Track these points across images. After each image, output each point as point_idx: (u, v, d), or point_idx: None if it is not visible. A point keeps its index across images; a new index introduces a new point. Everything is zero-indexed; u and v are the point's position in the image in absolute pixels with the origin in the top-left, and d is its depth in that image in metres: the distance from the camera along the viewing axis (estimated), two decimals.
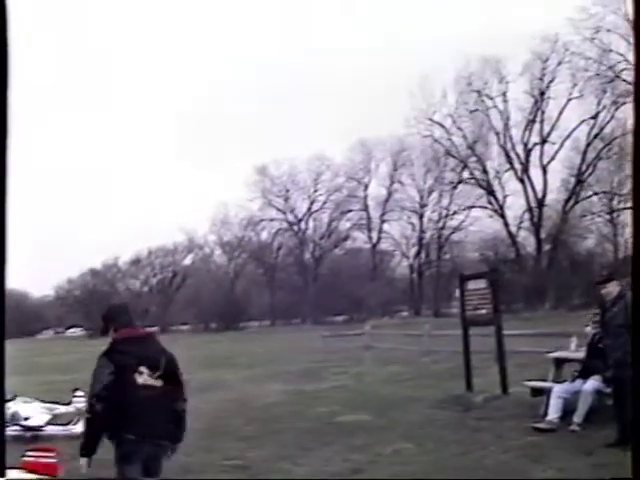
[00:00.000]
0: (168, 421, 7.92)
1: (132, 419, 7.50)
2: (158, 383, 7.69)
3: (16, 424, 16.47)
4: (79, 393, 19.51)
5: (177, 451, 13.19)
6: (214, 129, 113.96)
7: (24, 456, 11.05)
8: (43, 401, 19.18)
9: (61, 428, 16.58)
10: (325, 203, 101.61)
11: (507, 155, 79.29)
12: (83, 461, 7.70)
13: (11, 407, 17.46)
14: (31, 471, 10.54)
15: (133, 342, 7.79)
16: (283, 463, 11.72)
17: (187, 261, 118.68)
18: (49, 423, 16.93)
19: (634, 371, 3.11)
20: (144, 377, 7.58)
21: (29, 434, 16.13)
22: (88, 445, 7.70)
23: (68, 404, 19.32)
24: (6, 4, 2.28)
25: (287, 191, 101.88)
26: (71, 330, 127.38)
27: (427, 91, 78.41)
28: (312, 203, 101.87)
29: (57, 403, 19.34)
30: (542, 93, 75.13)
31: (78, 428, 16.02)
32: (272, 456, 12.35)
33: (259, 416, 17.36)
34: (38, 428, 16.46)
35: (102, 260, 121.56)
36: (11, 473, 10.81)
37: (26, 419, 16.70)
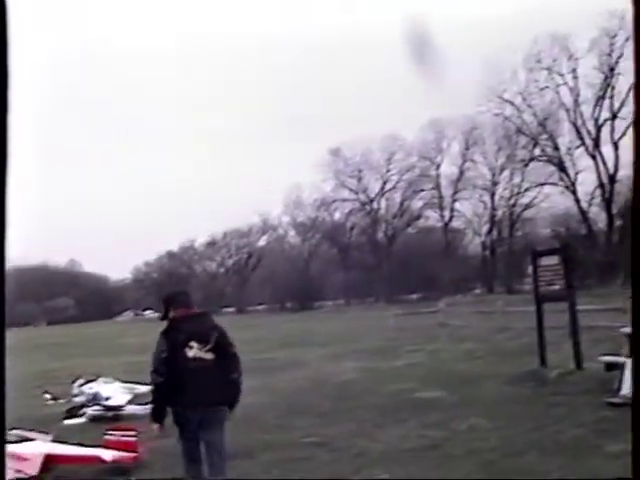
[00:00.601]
0: (219, 389, 8.49)
1: (183, 389, 8.28)
2: (208, 356, 8.44)
3: (97, 404, 16.91)
4: None
5: (257, 429, 13.55)
6: (287, 111, 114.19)
7: (106, 435, 11.47)
8: (123, 381, 19.66)
9: (141, 407, 16.92)
10: (398, 182, 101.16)
11: (578, 132, 78.10)
12: (154, 426, 8.53)
13: (93, 387, 17.96)
14: (112, 449, 10.96)
15: (186, 320, 8.64)
16: (360, 440, 11.90)
17: (262, 242, 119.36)
18: (129, 403, 17.33)
19: (634, 370, 3.23)
20: (194, 351, 8.38)
21: (110, 413, 16.56)
22: (155, 413, 8.62)
23: (148, 384, 19.78)
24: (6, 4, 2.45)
25: (360, 171, 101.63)
26: (149, 312, 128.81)
27: (497, 69, 77.54)
28: (385, 183, 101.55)
29: (137, 383, 19.79)
30: (611, 69, 73.75)
31: None
32: (349, 433, 12.55)
33: (336, 393, 17.60)
34: (119, 408, 16.86)
35: (179, 243, 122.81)
36: (94, 451, 11.26)
37: (107, 399, 17.12)
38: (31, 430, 11.80)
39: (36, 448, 10.66)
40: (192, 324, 8.64)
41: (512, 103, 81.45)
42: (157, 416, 8.57)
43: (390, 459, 10.38)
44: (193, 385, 8.31)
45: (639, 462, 2.87)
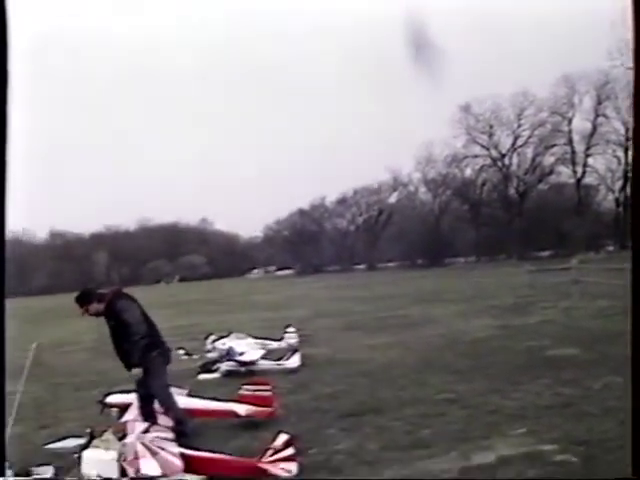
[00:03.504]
0: None
1: None
2: None
3: (231, 359, 17.18)
4: (290, 329, 20.22)
5: (391, 385, 13.64)
6: (414, 67, 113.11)
7: (240, 389, 11.66)
8: (256, 337, 19.95)
9: (274, 363, 17.18)
10: (529, 138, 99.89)
11: None
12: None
13: (226, 343, 18.28)
14: (247, 404, 11.14)
15: None
16: (494, 397, 11.87)
17: (392, 199, 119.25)
18: (262, 358, 17.58)
19: (633, 370, 3.13)
20: None
21: (243, 369, 16.82)
22: None
23: (280, 340, 20.05)
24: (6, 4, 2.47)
25: (491, 127, 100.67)
26: (280, 269, 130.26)
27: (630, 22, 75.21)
28: (516, 139, 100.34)
29: (269, 339, 20.08)
30: None
31: (290, 363, 16.64)
32: (483, 390, 12.52)
33: (469, 350, 17.60)
34: (252, 363, 17.10)
35: (309, 200, 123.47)
36: (229, 405, 11.47)
37: (240, 354, 17.38)
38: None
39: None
40: None
41: None
42: None
43: (524, 416, 10.32)
44: None
45: (639, 462, 2.83)
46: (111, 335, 10.35)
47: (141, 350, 10.02)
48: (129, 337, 9.97)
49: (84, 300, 10.23)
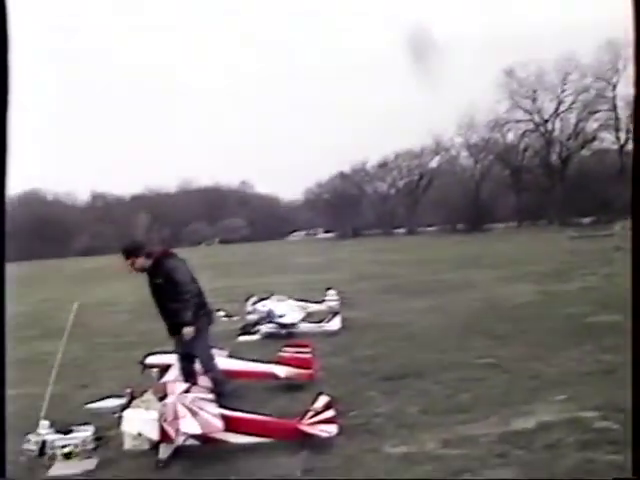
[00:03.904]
0: None
1: None
2: None
3: (271, 321, 17.24)
4: (331, 292, 20.25)
5: (432, 349, 13.65)
6: (460, 31, 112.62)
7: (280, 351, 11.69)
8: (296, 299, 19.99)
9: (314, 325, 17.21)
10: (572, 104, 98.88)
11: None
12: None
13: (266, 305, 18.36)
14: (287, 365, 11.17)
15: None
16: (534, 363, 11.80)
17: (433, 164, 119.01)
18: (302, 320, 17.61)
19: (633, 370, 3.06)
20: None
21: (283, 331, 16.88)
22: None
23: (320, 302, 20.07)
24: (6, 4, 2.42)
25: (534, 92, 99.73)
26: (320, 232, 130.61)
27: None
28: (559, 104, 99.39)
29: (309, 301, 20.11)
30: None
31: (331, 326, 16.66)
32: (523, 355, 12.48)
33: (509, 315, 17.53)
34: (292, 325, 17.15)
35: (350, 164, 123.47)
36: (269, 367, 11.52)
37: (281, 316, 17.42)
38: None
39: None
40: None
41: None
42: None
43: (565, 382, 10.26)
44: None
45: (639, 462, 2.79)
46: (154, 294, 10.29)
47: (193, 309, 10.03)
48: (179, 296, 9.94)
49: (132, 253, 10.11)
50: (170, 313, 10.14)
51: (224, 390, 9.94)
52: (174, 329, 10.20)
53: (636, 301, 2.66)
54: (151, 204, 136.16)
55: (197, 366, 10.41)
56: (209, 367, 10.37)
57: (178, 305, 9.95)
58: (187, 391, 8.70)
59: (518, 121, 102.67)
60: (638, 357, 2.86)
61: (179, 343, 10.29)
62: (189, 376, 10.04)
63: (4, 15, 2.49)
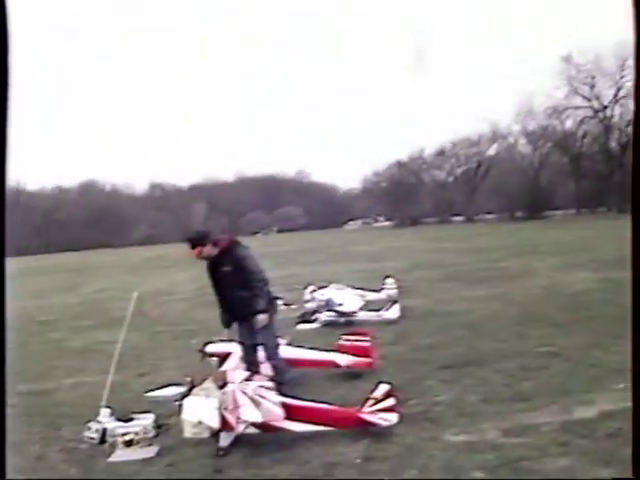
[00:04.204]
0: None
1: None
2: None
3: (330, 309, 17.27)
4: (389, 280, 20.21)
5: (491, 337, 13.60)
6: (515, 16, 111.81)
7: (340, 340, 11.72)
8: (355, 288, 19.98)
9: (373, 314, 17.20)
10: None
11: None
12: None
13: (325, 294, 18.37)
14: (347, 354, 11.19)
15: None
16: (595, 351, 11.70)
17: (491, 151, 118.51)
18: (361, 309, 17.61)
19: (633, 369, 3.01)
20: None
21: (342, 319, 16.92)
22: None
23: (379, 291, 20.05)
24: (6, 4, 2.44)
25: (593, 78, 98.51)
26: (378, 221, 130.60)
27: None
28: (618, 90, 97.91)
29: (368, 290, 20.09)
30: None
31: (389, 314, 16.65)
32: (584, 343, 12.36)
33: (569, 303, 17.40)
34: (351, 314, 17.17)
35: (408, 152, 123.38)
36: (329, 355, 11.54)
37: (339, 305, 17.43)
38: None
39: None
40: None
41: None
42: None
43: (626, 371, 10.14)
44: None
45: (639, 462, 2.76)
46: (220, 283, 10.29)
47: (266, 297, 10.08)
48: (251, 284, 9.95)
49: (200, 241, 10.07)
50: (239, 301, 10.09)
51: (284, 378, 9.97)
52: (238, 317, 10.24)
53: (636, 301, 2.64)
54: (209, 194, 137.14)
55: (259, 355, 10.44)
56: (273, 355, 10.38)
57: (248, 293, 9.94)
58: (247, 379, 8.74)
59: (577, 108, 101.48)
60: (638, 357, 2.84)
61: (244, 332, 10.31)
62: (252, 364, 10.05)
63: (4, 15, 2.53)
